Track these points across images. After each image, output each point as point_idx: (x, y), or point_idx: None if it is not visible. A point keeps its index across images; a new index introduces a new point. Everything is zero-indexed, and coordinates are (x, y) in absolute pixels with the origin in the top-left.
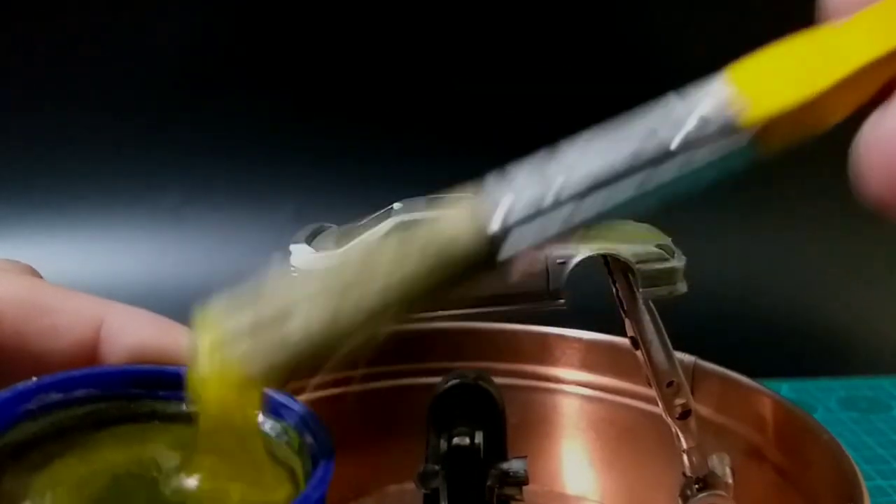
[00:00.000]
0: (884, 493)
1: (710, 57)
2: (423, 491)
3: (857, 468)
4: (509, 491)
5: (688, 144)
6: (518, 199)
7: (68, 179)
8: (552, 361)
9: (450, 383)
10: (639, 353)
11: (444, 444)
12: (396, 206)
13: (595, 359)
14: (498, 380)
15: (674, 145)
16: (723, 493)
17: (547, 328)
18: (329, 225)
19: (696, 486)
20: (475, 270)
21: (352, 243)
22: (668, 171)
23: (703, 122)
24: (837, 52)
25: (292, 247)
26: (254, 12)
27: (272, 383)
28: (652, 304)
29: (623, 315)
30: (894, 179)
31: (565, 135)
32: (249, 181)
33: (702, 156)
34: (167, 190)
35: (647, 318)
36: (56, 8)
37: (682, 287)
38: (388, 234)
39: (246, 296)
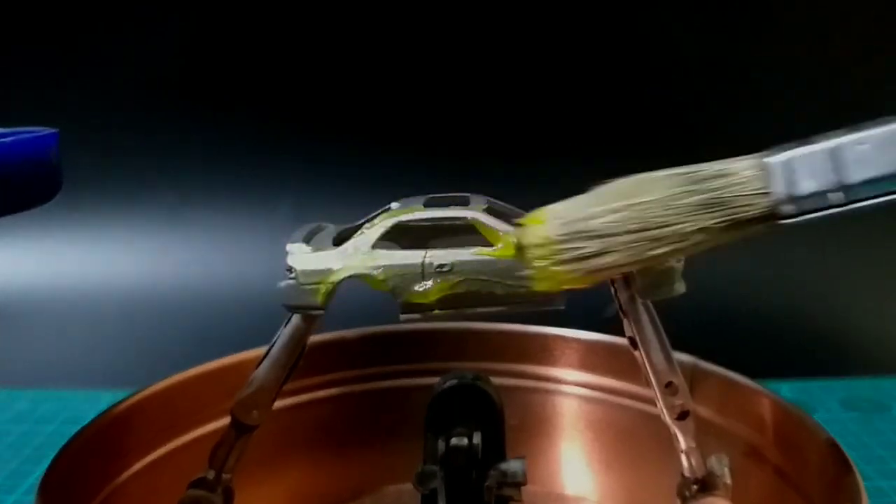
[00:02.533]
0: (884, 494)
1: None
2: (421, 491)
3: (856, 469)
4: (508, 491)
5: None
6: (807, 175)
7: (67, 180)
8: (551, 362)
9: (448, 384)
10: (637, 353)
11: (442, 445)
12: (394, 205)
13: (594, 359)
14: (496, 380)
15: None
16: (721, 493)
17: (546, 328)
18: (326, 224)
19: (695, 486)
20: (755, 230)
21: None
22: None
23: None
24: None
25: (289, 246)
26: (255, 15)
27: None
28: (651, 305)
29: (622, 316)
30: None
31: (564, 137)
32: (247, 181)
33: None
34: (165, 190)
35: (645, 318)
36: (57, 9)
37: (680, 287)
38: (675, 179)
39: (572, 204)
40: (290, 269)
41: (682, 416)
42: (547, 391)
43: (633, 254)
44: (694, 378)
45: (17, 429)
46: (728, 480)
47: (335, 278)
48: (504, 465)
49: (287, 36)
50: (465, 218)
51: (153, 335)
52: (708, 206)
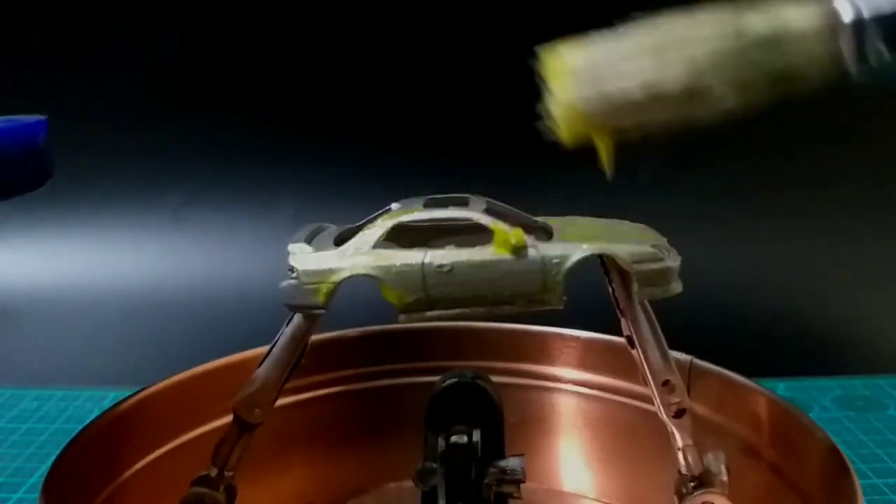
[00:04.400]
0: (879, 491)
1: None
2: (421, 489)
3: (851, 466)
4: (507, 488)
5: None
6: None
7: (70, 180)
8: (550, 360)
9: (448, 382)
10: (635, 352)
11: (442, 443)
12: (394, 206)
13: (592, 358)
14: (496, 378)
15: None
16: (718, 490)
17: (544, 327)
18: (328, 225)
19: (692, 483)
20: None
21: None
22: None
23: None
24: None
25: (291, 246)
26: (256, 17)
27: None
28: (648, 304)
29: (619, 314)
30: None
31: (558, 143)
32: (249, 182)
33: None
34: (168, 191)
35: (643, 317)
36: (59, 11)
37: (677, 287)
38: (737, 29)
39: (596, 40)
40: (291, 269)
41: (678, 413)
42: (545, 389)
43: (664, 120)
44: (691, 376)
45: (21, 427)
46: (724, 477)
47: (336, 278)
48: (503, 463)
49: (289, 36)
50: (464, 219)
51: (156, 334)
52: (761, 76)
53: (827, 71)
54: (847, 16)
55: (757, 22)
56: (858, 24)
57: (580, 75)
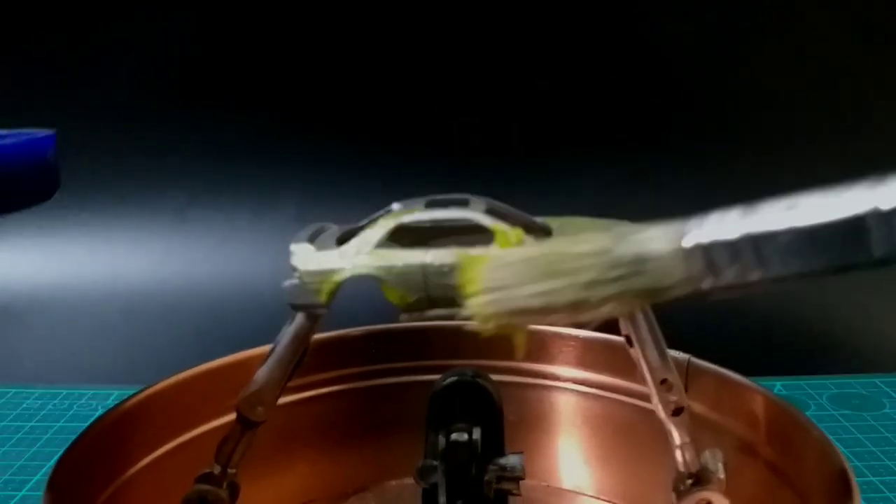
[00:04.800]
0: (875, 489)
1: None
2: (422, 486)
3: (847, 464)
4: (506, 485)
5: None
6: (728, 263)
7: (72, 180)
8: (549, 359)
9: (448, 380)
10: (633, 351)
11: (442, 440)
12: (395, 206)
13: (591, 357)
14: (496, 377)
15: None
16: (715, 488)
17: (544, 327)
18: (330, 225)
19: (690, 481)
20: (669, 297)
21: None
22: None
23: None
24: None
25: (293, 246)
26: (257, 18)
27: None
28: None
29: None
30: None
31: (563, 137)
32: (251, 182)
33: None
34: (171, 191)
35: (641, 317)
36: (60, 12)
37: None
38: (611, 251)
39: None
40: (294, 269)
41: (676, 412)
42: (545, 387)
43: (560, 323)
44: (688, 375)
45: (25, 426)
46: (722, 475)
47: (338, 278)
48: (503, 460)
49: (289, 36)
50: (465, 219)
51: (159, 333)
52: (631, 292)
53: (684, 287)
54: (695, 241)
55: (626, 247)
56: (706, 248)
57: (488, 293)
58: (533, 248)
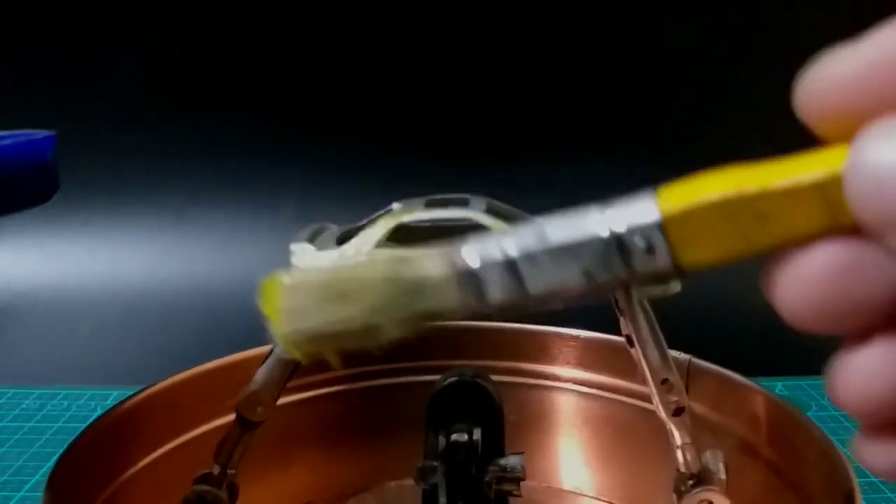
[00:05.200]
0: (876, 489)
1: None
2: (422, 486)
3: (848, 464)
4: (507, 486)
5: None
6: (494, 284)
7: (72, 181)
8: (549, 360)
9: (448, 381)
10: (634, 351)
11: (442, 441)
12: (395, 206)
13: (591, 357)
14: (496, 377)
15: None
16: (716, 488)
17: (544, 327)
18: (330, 225)
19: (690, 481)
20: (443, 312)
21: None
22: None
23: (625, 254)
24: (775, 215)
25: (293, 246)
26: (257, 18)
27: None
28: (647, 304)
29: (619, 314)
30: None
31: (563, 137)
32: (251, 182)
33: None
34: (170, 191)
35: (641, 316)
36: (61, 13)
37: (675, 286)
38: (392, 276)
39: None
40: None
41: (677, 412)
42: (545, 388)
43: (361, 345)
44: (689, 375)
45: (24, 426)
46: (723, 475)
47: None
48: (503, 461)
49: (289, 36)
50: (465, 219)
51: (158, 334)
52: (414, 315)
53: (463, 310)
54: (463, 265)
55: (407, 270)
56: (472, 273)
57: (286, 316)
58: (327, 271)
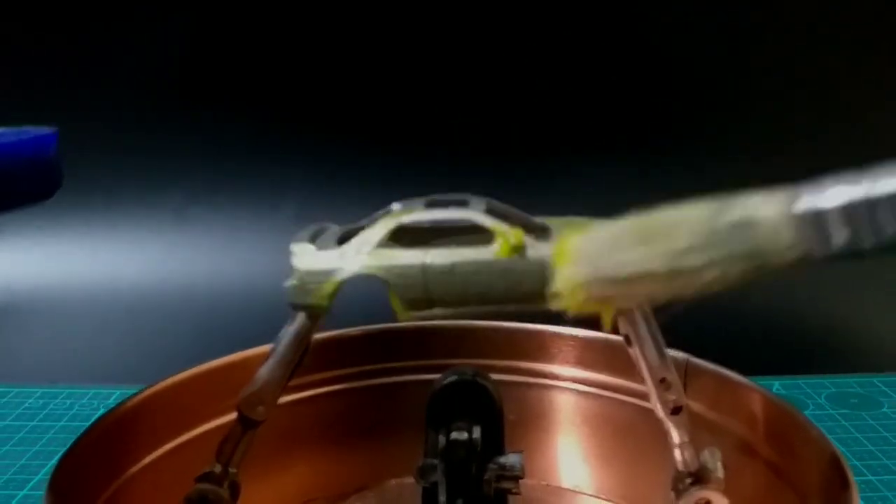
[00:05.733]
0: (873, 488)
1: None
2: (422, 485)
3: (846, 463)
4: (506, 484)
5: None
6: (841, 228)
7: (72, 181)
8: (548, 358)
9: (448, 380)
10: (632, 350)
11: (442, 439)
12: (395, 206)
13: (590, 356)
14: (495, 376)
15: None
16: (714, 487)
17: (543, 326)
18: (330, 225)
19: (688, 480)
20: (785, 266)
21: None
22: None
23: None
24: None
25: (294, 246)
26: (257, 18)
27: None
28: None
29: (617, 313)
30: None
31: (562, 137)
32: (251, 182)
33: None
34: (170, 190)
35: (640, 316)
36: (61, 13)
37: None
38: (702, 222)
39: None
40: (294, 269)
41: (675, 411)
42: (544, 387)
43: (655, 294)
44: (687, 374)
45: (26, 425)
46: (720, 474)
47: (338, 278)
48: (503, 459)
49: (289, 36)
50: (465, 219)
51: (160, 333)
52: (735, 257)
53: (792, 253)
54: (806, 205)
55: (730, 212)
56: (818, 213)
57: (582, 262)
58: (628, 220)
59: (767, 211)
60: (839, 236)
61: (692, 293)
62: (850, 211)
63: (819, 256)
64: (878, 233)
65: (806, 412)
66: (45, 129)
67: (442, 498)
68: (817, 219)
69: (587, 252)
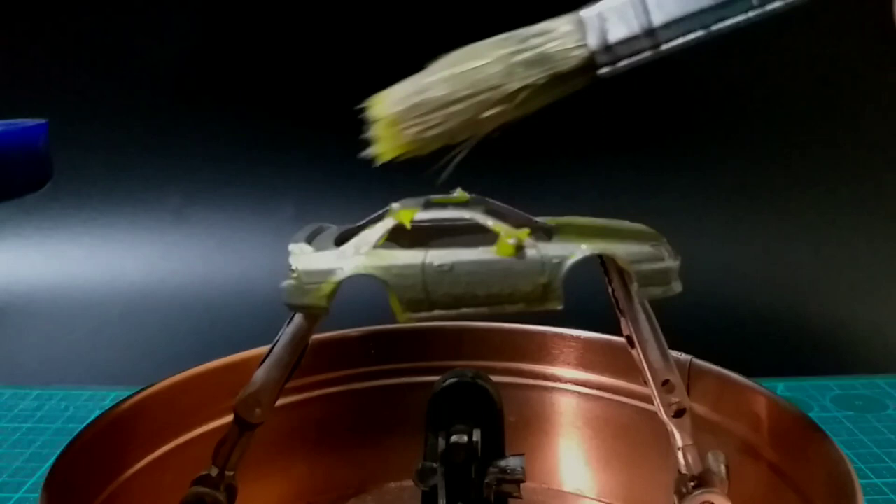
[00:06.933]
0: (878, 490)
1: None
2: (421, 488)
3: (851, 466)
4: (507, 488)
5: None
6: (617, 22)
7: (71, 180)
8: (549, 360)
9: (448, 382)
10: (634, 352)
11: (442, 442)
12: (394, 206)
13: (592, 357)
14: (496, 378)
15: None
16: (718, 490)
17: (544, 327)
18: (328, 225)
19: (692, 483)
20: (576, 83)
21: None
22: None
23: None
24: None
25: (291, 246)
26: (257, 18)
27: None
28: (647, 304)
29: (619, 314)
30: None
31: (558, 143)
32: (250, 183)
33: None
34: (169, 190)
35: (642, 317)
36: (61, 13)
37: (676, 287)
38: (501, 42)
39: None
40: (292, 269)
41: (678, 413)
42: (545, 389)
43: (467, 119)
44: (690, 376)
45: (21, 427)
46: (724, 477)
47: (337, 278)
48: (503, 462)
49: (289, 36)
50: (464, 219)
51: (157, 334)
52: (530, 63)
53: (580, 53)
54: (589, 11)
55: (529, 29)
56: (599, 13)
57: (393, 100)
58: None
59: (560, 21)
60: (616, 31)
61: (502, 116)
62: (624, 8)
63: (602, 58)
64: (648, 18)
65: (810, 414)
66: (35, 121)
67: (441, 502)
68: (598, 18)
69: (397, 91)
